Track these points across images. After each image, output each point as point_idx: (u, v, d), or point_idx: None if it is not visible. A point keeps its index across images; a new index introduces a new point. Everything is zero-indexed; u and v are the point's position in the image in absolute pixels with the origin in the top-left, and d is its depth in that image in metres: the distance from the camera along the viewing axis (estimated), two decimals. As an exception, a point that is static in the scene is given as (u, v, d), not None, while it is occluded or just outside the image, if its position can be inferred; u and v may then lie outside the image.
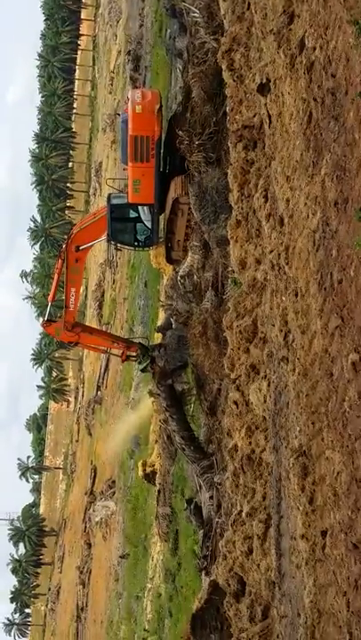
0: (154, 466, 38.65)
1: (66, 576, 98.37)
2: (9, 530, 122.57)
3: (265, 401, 10.53)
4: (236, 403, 11.41)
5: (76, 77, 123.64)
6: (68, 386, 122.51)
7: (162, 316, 35.57)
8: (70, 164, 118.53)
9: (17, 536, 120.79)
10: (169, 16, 33.97)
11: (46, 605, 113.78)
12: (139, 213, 25.80)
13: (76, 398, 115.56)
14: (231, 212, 15.23)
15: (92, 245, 28.55)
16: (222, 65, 15.15)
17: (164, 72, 47.66)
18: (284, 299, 9.07)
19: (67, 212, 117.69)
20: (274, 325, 9.54)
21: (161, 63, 49.62)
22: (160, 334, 34.37)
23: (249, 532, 10.30)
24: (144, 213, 25.77)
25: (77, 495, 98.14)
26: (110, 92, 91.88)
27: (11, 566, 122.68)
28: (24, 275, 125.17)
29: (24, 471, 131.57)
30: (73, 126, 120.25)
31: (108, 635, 61.19)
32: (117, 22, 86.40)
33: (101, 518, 73.63)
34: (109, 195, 26.11)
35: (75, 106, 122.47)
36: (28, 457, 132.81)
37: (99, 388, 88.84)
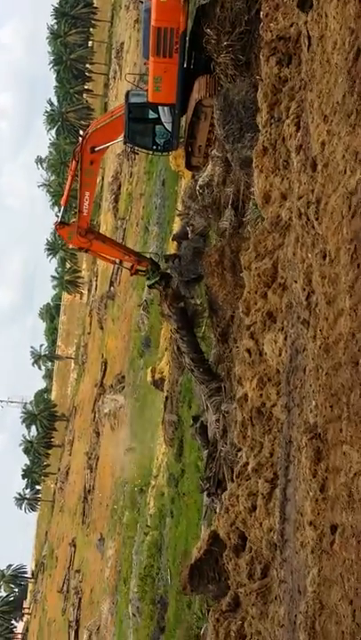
0: (163, 373, 38.94)
1: (75, 458, 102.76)
2: (22, 413, 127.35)
3: (280, 354, 9.90)
4: (248, 351, 10.78)
5: None
6: (82, 278, 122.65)
7: (178, 224, 34.43)
8: (90, 43, 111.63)
9: (29, 419, 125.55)
10: None
11: (55, 484, 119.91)
12: (158, 114, 23.99)
13: (89, 291, 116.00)
14: (258, 132, 13.94)
15: (108, 147, 27.17)
16: None
17: None
18: (309, 255, 8.19)
19: (85, 95, 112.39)
20: (296, 282, 8.72)
21: None
22: (175, 242, 33.45)
23: (254, 488, 10.01)
24: (164, 114, 23.98)
25: (88, 385, 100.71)
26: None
27: (23, 447, 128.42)
28: (39, 161, 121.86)
29: (37, 359, 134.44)
30: (94, 1, 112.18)
31: (112, 517, 64.53)
32: None
33: (110, 410, 75.72)
34: (127, 92, 24.25)
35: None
36: (41, 345, 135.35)
37: (112, 283, 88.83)
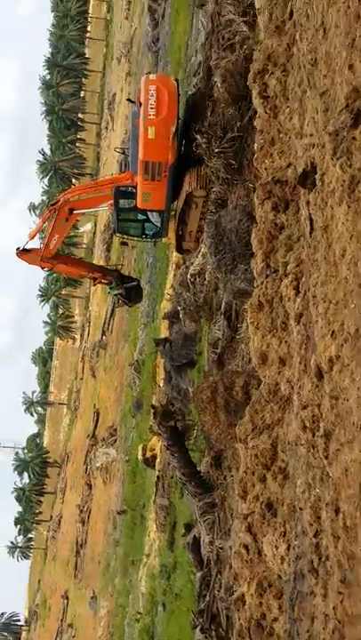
0: (154, 450, 37.44)
1: (67, 507, 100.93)
2: (13, 460, 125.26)
3: (282, 562, 8.57)
4: (246, 547, 9.42)
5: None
6: (75, 323, 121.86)
7: (168, 305, 33.44)
8: (82, 93, 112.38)
9: (21, 466, 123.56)
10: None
11: (48, 532, 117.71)
12: (147, 215, 23.49)
13: (81, 336, 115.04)
14: (251, 262, 12.81)
15: (85, 212, 27.31)
16: (253, 89, 12.30)
17: (185, 13, 43.20)
18: (318, 490, 6.93)
19: (77, 144, 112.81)
20: (302, 509, 7.45)
21: (182, 1, 45.06)
22: (167, 321, 32.44)
23: None
24: (153, 216, 23.38)
25: (80, 431, 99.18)
26: (127, 18, 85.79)
27: (15, 494, 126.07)
28: (32, 207, 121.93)
29: (29, 405, 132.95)
30: (86, 52, 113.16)
31: (104, 576, 62.67)
32: None
33: (102, 464, 74.31)
34: (117, 189, 23.43)
35: (89, 29, 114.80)
36: (33, 392, 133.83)
37: (104, 333, 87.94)
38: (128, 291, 27.07)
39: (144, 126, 19.86)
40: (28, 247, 24.92)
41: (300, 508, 7.55)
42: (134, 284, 27.56)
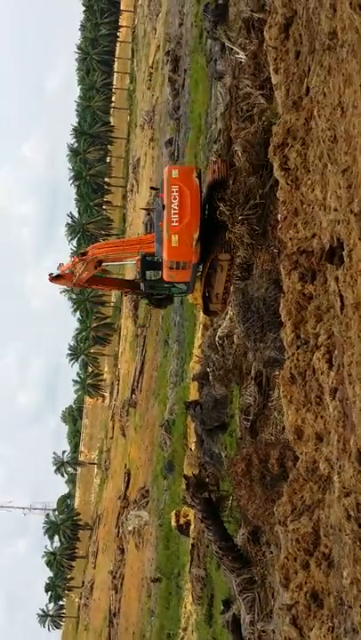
0: (188, 517, 36.48)
1: (99, 572, 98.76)
2: (44, 523, 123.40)
3: (329, 658, 8.04)
4: (290, 641, 8.85)
5: (115, 70, 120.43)
6: (104, 381, 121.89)
7: (197, 366, 33.20)
8: (108, 159, 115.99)
9: (52, 529, 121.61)
10: (210, 39, 30.95)
11: (80, 599, 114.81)
12: (173, 284, 23.74)
13: (111, 394, 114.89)
14: (280, 330, 12.59)
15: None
16: (274, 162, 12.37)
17: (204, 84, 44.57)
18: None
19: (104, 207, 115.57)
20: (352, 607, 6.96)
21: (200, 72, 46.55)
22: (195, 382, 32.13)
23: None
24: (179, 283, 23.59)
25: (111, 492, 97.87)
26: (149, 88, 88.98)
27: (45, 559, 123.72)
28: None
29: (59, 466, 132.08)
30: (111, 120, 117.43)
31: (140, 646, 60.54)
32: (157, 16, 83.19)
33: (134, 527, 72.97)
34: (143, 258, 23.70)
35: (113, 99, 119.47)
36: (64, 451, 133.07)
37: (133, 391, 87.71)
38: (159, 299, 27.71)
39: (168, 233, 20.16)
40: (60, 273, 25.57)
41: (350, 606, 7.08)
42: (162, 297, 27.84)
